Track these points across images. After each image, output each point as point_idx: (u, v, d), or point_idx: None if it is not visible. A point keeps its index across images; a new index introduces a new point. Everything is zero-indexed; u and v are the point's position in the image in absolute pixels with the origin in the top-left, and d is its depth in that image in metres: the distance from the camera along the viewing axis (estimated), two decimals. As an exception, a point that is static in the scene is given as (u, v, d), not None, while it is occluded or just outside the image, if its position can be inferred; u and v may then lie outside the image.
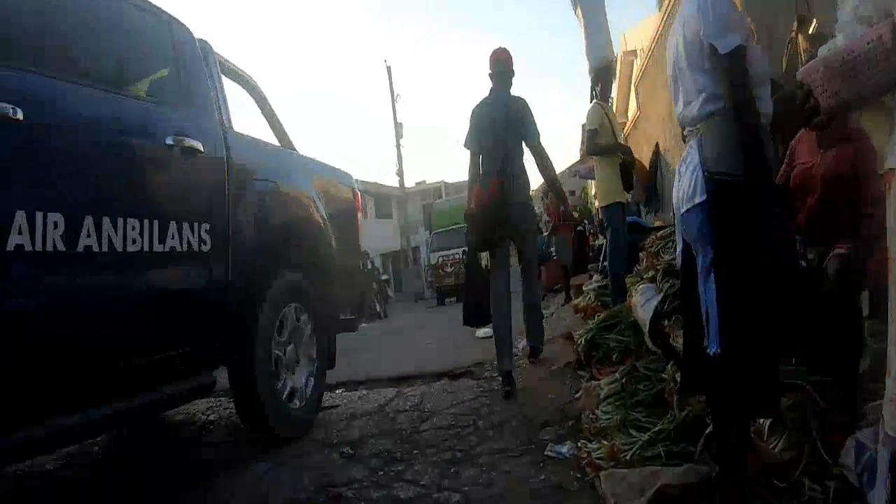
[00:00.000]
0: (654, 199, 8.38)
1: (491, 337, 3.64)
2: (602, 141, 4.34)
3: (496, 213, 3.31)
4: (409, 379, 4.19)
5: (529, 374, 3.77)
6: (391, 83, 21.99)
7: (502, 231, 3.42)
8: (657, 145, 7.92)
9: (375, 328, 10.59)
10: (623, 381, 2.63)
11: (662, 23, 7.15)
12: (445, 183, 28.88)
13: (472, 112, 3.56)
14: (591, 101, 4.73)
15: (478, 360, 4.38)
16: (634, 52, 12.06)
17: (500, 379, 3.43)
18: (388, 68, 21.91)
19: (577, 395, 2.97)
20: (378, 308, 15.01)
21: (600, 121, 4.35)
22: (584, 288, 6.48)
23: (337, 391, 4.11)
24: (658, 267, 3.27)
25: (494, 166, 3.40)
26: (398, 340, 7.63)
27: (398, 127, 22.09)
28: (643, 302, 3.02)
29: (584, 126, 5.44)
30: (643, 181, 8.14)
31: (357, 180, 4.26)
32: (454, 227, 14.75)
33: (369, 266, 14.81)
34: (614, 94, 15.35)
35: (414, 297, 21.56)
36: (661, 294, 2.90)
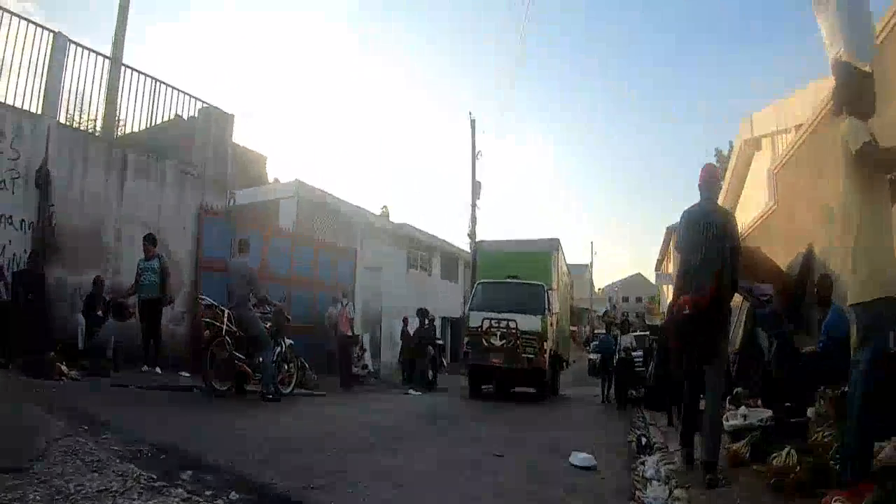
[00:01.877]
0: (799, 316, 6.73)
1: (592, 467, 4.19)
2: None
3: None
4: None
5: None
6: (473, 138, 21.24)
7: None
8: (810, 248, 6.37)
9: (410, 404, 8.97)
10: None
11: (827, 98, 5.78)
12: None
13: (685, 216, 4.07)
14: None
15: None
16: (758, 141, 10.72)
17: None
18: (473, 122, 21.17)
19: None
20: (430, 374, 13.42)
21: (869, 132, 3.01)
22: (726, 421, 4.91)
23: None
24: None
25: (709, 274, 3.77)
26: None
27: (476, 186, 21.12)
28: None
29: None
30: (785, 291, 6.57)
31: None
32: (511, 280, 11.05)
33: (426, 324, 13.18)
34: (726, 183, 13.93)
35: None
36: None
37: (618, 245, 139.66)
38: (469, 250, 22.06)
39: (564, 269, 15.29)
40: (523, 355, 10.02)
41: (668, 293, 24.46)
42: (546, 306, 10.65)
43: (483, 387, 11.39)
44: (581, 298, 43.73)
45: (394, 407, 8.34)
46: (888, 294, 2.82)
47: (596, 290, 55.44)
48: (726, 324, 4.06)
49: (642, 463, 5.38)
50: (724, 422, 5.08)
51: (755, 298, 6.31)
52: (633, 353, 11.62)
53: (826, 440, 3.87)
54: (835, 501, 2.84)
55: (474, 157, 21.08)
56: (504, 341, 10.12)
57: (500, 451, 4.92)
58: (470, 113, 26.76)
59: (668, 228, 24.84)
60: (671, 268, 24.40)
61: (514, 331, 10.03)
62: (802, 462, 3.47)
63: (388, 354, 14.78)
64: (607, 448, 5.76)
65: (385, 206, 21.32)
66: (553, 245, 13.02)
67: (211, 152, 10.29)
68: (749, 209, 10.97)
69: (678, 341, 4.05)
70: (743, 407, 4.97)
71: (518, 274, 11.10)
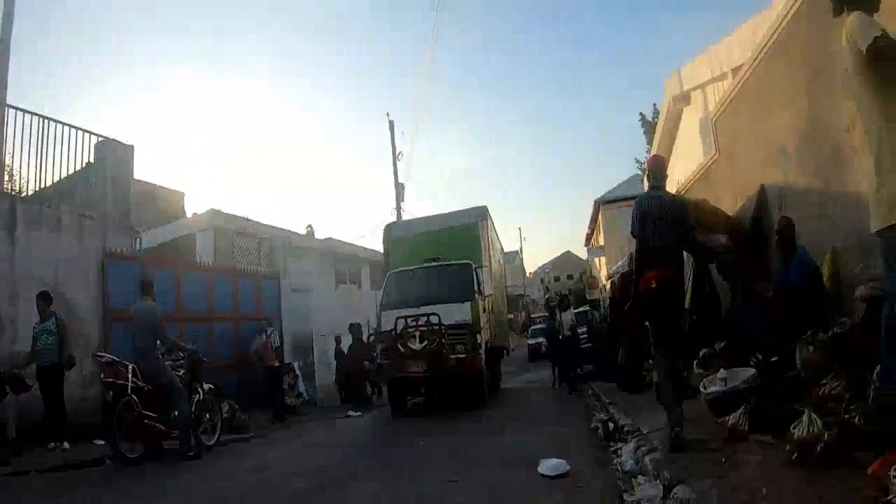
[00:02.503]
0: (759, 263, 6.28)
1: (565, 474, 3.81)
2: None
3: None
4: None
5: None
6: (393, 140, 20.28)
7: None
8: (762, 189, 5.88)
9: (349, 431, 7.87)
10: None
11: (777, 31, 5.34)
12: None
13: (640, 204, 4.20)
14: None
15: None
16: (687, 96, 10.44)
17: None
18: (391, 123, 20.21)
19: None
20: (369, 391, 12.22)
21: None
22: (703, 388, 4.22)
23: None
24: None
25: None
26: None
27: (399, 188, 20.17)
28: None
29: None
30: (740, 238, 6.08)
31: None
32: (430, 264, 9.03)
33: (362, 339, 11.93)
34: (655, 144, 13.73)
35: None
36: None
37: (545, 227, 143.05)
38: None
39: (497, 242, 12.55)
40: (451, 356, 7.83)
41: (601, 266, 24.65)
42: (476, 289, 8.63)
43: (411, 400, 9.67)
44: (514, 285, 43.93)
45: (330, 438, 7.39)
46: None
47: (527, 274, 56.10)
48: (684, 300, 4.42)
49: (615, 452, 4.64)
50: (701, 389, 4.44)
51: (710, 250, 5.74)
52: (578, 330, 11.04)
53: (835, 392, 3.21)
54: (894, 469, 2.12)
55: (395, 159, 20.20)
56: (425, 343, 7.88)
57: (455, 476, 4.06)
58: (388, 114, 25.65)
59: (595, 202, 24.97)
60: (602, 239, 24.50)
61: (436, 327, 7.86)
62: (827, 427, 2.74)
63: (325, 377, 13.58)
64: (575, 443, 4.98)
65: (310, 226, 20.03)
66: (480, 214, 10.33)
67: (111, 190, 9.08)
68: (682, 166, 10.65)
69: (647, 315, 4.22)
70: (722, 370, 4.28)
71: (439, 255, 9.12)
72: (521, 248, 50.19)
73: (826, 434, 2.71)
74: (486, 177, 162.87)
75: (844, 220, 4.35)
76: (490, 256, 10.23)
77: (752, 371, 4.16)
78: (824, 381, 3.28)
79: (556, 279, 63.12)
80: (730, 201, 6.70)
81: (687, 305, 6.81)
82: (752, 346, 4.72)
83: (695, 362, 5.67)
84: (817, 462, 2.68)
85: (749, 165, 6.30)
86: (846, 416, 2.98)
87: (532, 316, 37.94)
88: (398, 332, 8.00)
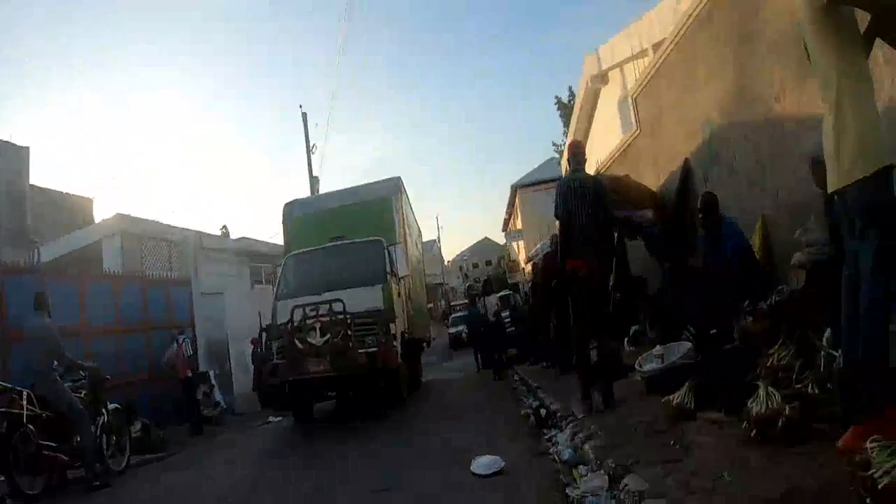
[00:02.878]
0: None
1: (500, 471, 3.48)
2: None
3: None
4: None
5: None
6: (307, 132, 19.23)
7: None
8: (686, 163, 5.80)
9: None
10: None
11: (702, 3, 5.23)
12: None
13: (562, 186, 4.46)
14: None
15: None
16: (605, 76, 10.42)
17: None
18: (304, 115, 19.26)
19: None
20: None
21: None
22: (639, 367, 3.99)
23: None
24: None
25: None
26: None
27: (313, 181, 19.18)
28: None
29: None
30: (663, 212, 5.98)
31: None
32: (334, 244, 7.92)
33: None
34: (573, 126, 13.75)
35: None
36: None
37: (462, 215, 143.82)
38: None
39: (413, 219, 10.95)
40: (360, 351, 6.47)
41: (520, 250, 24.88)
42: (389, 270, 7.53)
43: (319, 404, 8.36)
44: (433, 274, 43.76)
45: (248, 451, 6.61)
46: (886, 163, 2.16)
47: (446, 262, 56.10)
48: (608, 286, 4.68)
49: (550, 441, 4.32)
50: (637, 367, 4.22)
51: (636, 225, 5.57)
52: (502, 314, 10.84)
53: (784, 361, 3.01)
54: (872, 442, 1.86)
55: (309, 151, 19.16)
56: (328, 337, 6.49)
57: (386, 483, 3.62)
58: (301, 106, 24.36)
59: (512, 186, 25.13)
60: (519, 223, 24.73)
61: (341, 317, 6.54)
62: (787, 400, 2.50)
63: (244, 383, 12.61)
64: (506, 434, 4.62)
65: (224, 226, 18.56)
66: (393, 186, 9.14)
67: (4, 198, 8.25)
68: (601, 146, 10.62)
69: (572, 296, 4.37)
70: (658, 346, 4.06)
71: (347, 234, 7.92)
72: (438, 238, 49.91)
73: (787, 408, 2.46)
74: (402, 166, 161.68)
75: (774, 187, 4.26)
76: (406, 234, 9.03)
77: (687, 345, 3.98)
78: (772, 351, 3.08)
79: (475, 266, 63.68)
80: (652, 177, 6.64)
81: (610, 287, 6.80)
82: (684, 319, 4.58)
83: (626, 339, 5.50)
84: (779, 438, 2.44)
85: (672, 140, 6.23)
86: (798, 385, 2.78)
87: (452, 304, 37.90)
88: (295, 324, 6.53)
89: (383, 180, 9.49)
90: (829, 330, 2.89)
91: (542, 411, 5.10)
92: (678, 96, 5.99)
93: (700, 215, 4.66)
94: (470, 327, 13.29)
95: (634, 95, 7.24)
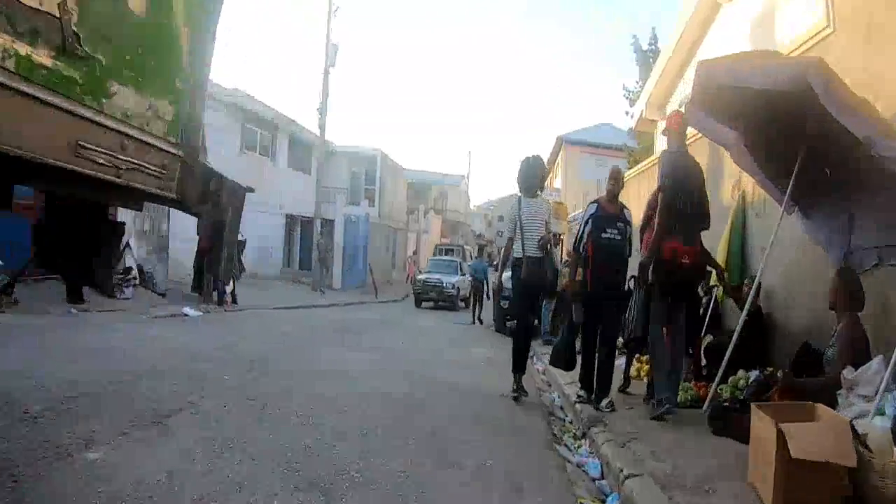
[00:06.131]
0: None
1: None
2: None
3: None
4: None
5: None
6: None
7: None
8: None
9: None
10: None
11: None
12: (383, 153, 23.73)
13: (670, 160, 4.13)
14: None
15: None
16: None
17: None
18: None
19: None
20: (224, 286, 9.82)
21: None
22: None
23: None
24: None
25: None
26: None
27: (331, 48, 17.20)
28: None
29: None
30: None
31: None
32: None
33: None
34: (659, 66, 11.17)
35: (312, 285, 17.03)
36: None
37: (497, 159, 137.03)
38: (319, 132, 18.28)
39: None
40: None
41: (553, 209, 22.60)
42: None
43: None
44: (456, 211, 41.92)
45: (132, 350, 5.35)
46: None
47: (472, 206, 53.85)
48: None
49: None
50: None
51: None
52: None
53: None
54: None
55: (330, 12, 17.03)
56: None
57: None
58: None
59: (558, 138, 22.95)
60: (557, 182, 22.52)
61: None
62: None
63: (185, 255, 11.11)
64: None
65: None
66: None
67: None
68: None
69: (665, 289, 3.96)
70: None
71: None
72: (468, 174, 47.06)
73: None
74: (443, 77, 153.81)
75: None
76: None
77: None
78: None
79: (500, 219, 61.29)
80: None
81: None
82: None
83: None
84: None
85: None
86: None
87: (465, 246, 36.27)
88: None
89: None
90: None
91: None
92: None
93: None
94: (474, 277, 13.58)
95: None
